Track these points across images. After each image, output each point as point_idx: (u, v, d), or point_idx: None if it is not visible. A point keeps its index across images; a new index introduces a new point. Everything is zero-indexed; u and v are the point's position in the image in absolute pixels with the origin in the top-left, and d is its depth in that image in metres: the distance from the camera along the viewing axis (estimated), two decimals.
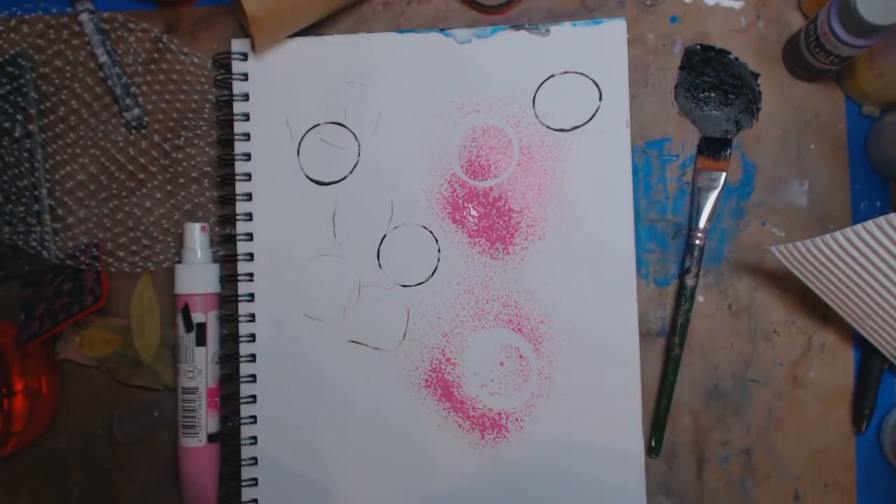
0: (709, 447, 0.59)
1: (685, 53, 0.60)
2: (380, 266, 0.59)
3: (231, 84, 0.60)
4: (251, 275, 0.60)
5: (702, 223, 0.58)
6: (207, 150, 0.62)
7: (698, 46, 0.60)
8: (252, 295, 0.59)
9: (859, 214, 0.59)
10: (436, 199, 0.59)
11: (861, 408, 0.58)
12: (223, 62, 0.61)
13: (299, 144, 0.60)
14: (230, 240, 0.60)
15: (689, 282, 0.58)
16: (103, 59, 0.61)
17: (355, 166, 0.60)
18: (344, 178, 0.60)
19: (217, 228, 0.61)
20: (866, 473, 0.59)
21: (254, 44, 0.59)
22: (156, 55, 0.62)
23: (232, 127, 0.60)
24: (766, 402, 0.59)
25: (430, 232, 0.59)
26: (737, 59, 0.59)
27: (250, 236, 0.60)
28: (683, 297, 0.58)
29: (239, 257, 0.60)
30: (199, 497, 0.59)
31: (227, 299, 0.60)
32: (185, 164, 0.62)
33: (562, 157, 0.59)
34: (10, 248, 0.60)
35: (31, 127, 0.61)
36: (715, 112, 0.60)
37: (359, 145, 0.60)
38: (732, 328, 0.59)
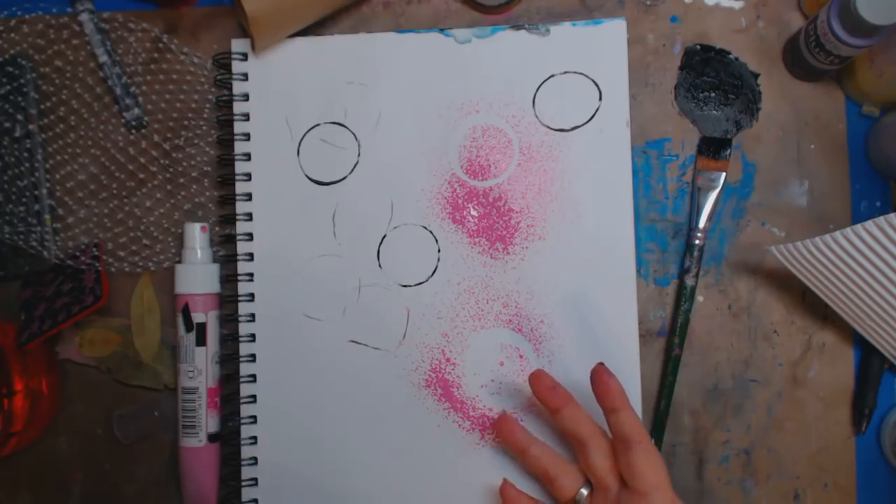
0: (709, 447, 0.59)
1: (685, 53, 0.60)
2: (380, 266, 0.59)
3: (231, 84, 0.60)
4: (251, 275, 0.60)
5: (702, 223, 0.58)
6: (207, 150, 0.62)
7: (698, 46, 0.60)
8: (252, 295, 0.59)
9: (859, 214, 0.59)
10: (436, 199, 0.59)
11: (861, 408, 0.58)
12: (223, 62, 0.61)
13: (299, 144, 0.60)
14: (230, 240, 0.60)
15: (689, 282, 0.58)
16: (103, 59, 0.61)
17: (355, 166, 0.60)
18: (344, 178, 0.60)
19: (217, 228, 0.61)
20: (866, 473, 0.59)
21: (254, 44, 0.59)
22: (156, 55, 0.62)
23: (232, 127, 0.60)
24: (766, 402, 0.59)
25: (430, 232, 0.59)
26: (737, 59, 0.59)
27: (250, 236, 0.60)
28: (683, 297, 0.58)
29: (239, 257, 0.60)
30: (199, 497, 0.59)
31: (227, 299, 0.60)
32: (185, 164, 0.62)
33: (562, 157, 0.59)
34: (10, 248, 0.60)
35: (31, 127, 0.61)
36: (715, 112, 0.60)
37: (359, 145, 0.60)
38: (732, 328, 0.59)
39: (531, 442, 0.54)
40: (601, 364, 0.51)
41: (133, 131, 0.62)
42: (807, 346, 0.59)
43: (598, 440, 0.52)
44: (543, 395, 0.53)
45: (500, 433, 0.55)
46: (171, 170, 0.62)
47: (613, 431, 0.51)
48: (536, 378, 0.53)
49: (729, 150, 0.59)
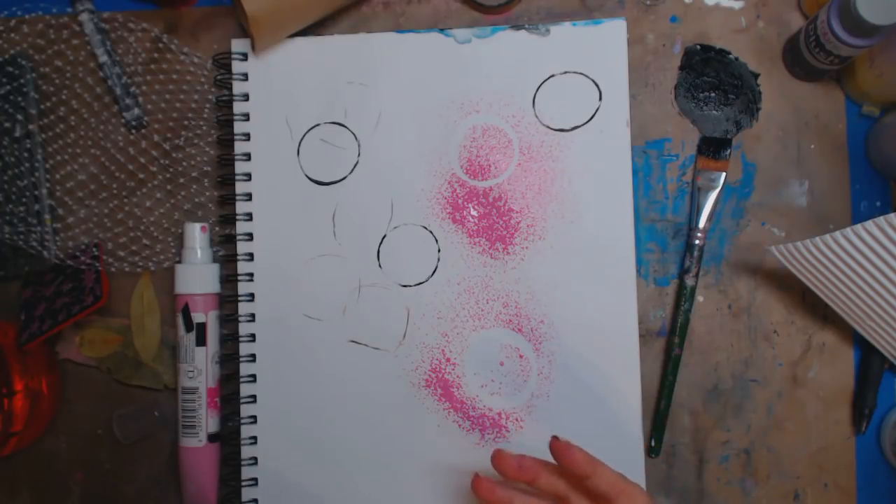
0: (709, 447, 0.59)
1: (685, 53, 0.60)
2: (380, 266, 0.59)
3: (231, 84, 0.60)
4: (251, 275, 0.60)
5: (702, 223, 0.58)
6: (207, 150, 0.62)
7: (698, 46, 0.60)
8: (252, 295, 0.59)
9: (859, 214, 0.59)
10: (436, 199, 0.59)
11: (861, 408, 0.58)
12: (223, 62, 0.61)
13: (299, 144, 0.60)
14: (230, 240, 0.60)
15: (689, 282, 0.58)
16: (103, 59, 0.61)
17: (355, 166, 0.60)
18: (344, 178, 0.60)
19: (217, 228, 0.61)
20: (866, 473, 0.59)
21: (254, 44, 0.59)
22: (156, 55, 0.62)
23: (232, 127, 0.60)
24: (766, 402, 0.59)
25: (430, 232, 0.59)
26: (737, 59, 0.59)
27: (250, 236, 0.60)
28: (683, 297, 0.58)
29: (239, 257, 0.60)
30: (199, 497, 0.59)
31: (227, 299, 0.60)
32: (185, 164, 0.62)
33: (562, 157, 0.59)
34: (10, 248, 0.61)
35: (31, 127, 0.61)
36: (715, 112, 0.60)
37: (359, 145, 0.60)
38: (732, 328, 0.59)
39: (513, 495, 0.51)
40: (555, 437, 0.48)
41: (133, 131, 0.62)
42: (807, 346, 0.59)
43: (577, 494, 0.49)
44: (513, 476, 0.50)
45: (478, 495, 0.51)
46: (171, 170, 0.62)
47: (593, 493, 0.48)
48: (499, 461, 0.50)
49: (729, 150, 0.59)
